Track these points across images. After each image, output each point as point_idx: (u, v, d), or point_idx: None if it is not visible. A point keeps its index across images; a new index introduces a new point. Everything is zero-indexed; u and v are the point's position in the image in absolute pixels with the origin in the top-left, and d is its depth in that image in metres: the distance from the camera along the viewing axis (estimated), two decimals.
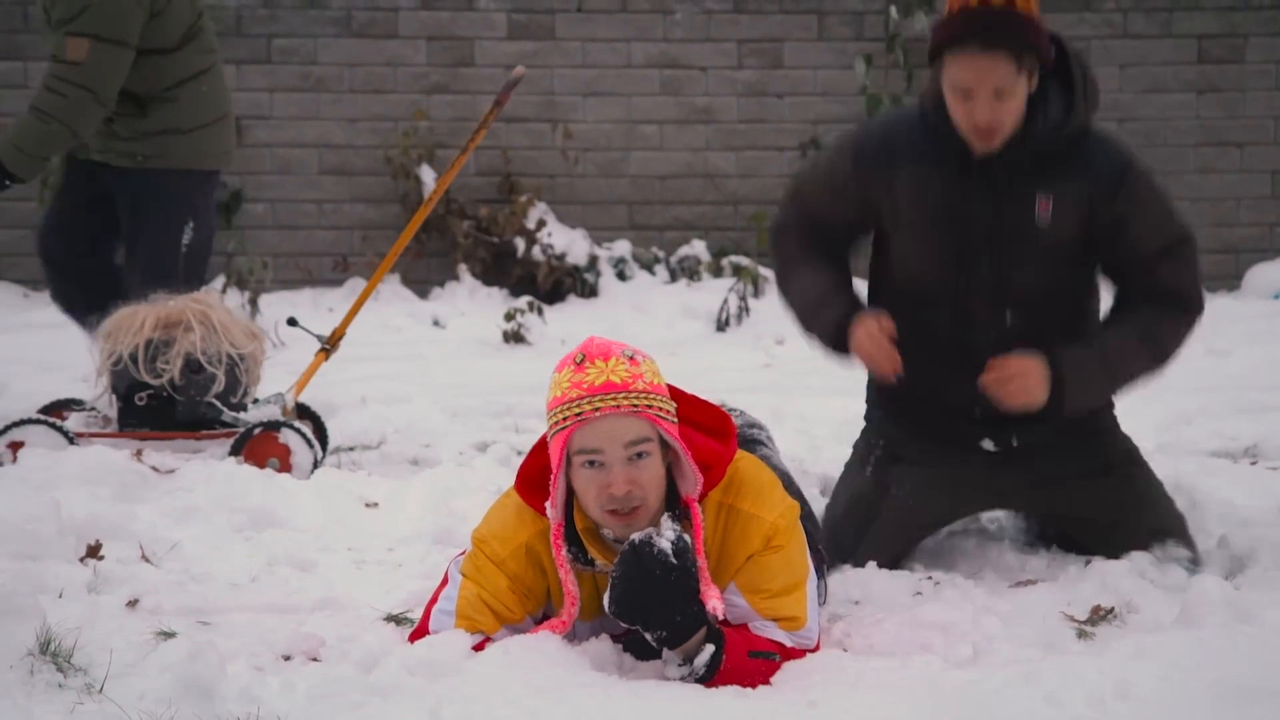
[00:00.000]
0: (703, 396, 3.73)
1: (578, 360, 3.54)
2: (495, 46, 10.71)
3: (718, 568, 3.60)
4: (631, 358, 3.55)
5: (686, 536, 3.50)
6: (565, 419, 3.50)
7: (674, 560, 3.45)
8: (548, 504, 3.58)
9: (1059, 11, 10.79)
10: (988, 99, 4.10)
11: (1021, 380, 4.18)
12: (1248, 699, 3.25)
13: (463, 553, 3.76)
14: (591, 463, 3.50)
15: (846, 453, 4.72)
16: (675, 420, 3.58)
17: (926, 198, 4.28)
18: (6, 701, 3.37)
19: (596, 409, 3.47)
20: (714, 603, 3.50)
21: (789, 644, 3.60)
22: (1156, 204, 4.25)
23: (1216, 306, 10.05)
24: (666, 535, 3.48)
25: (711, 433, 3.65)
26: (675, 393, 3.65)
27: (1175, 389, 7.55)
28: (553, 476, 3.55)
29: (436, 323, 9.89)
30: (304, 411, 6.13)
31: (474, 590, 3.63)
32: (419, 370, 8.36)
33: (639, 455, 3.50)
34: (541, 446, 3.66)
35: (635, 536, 3.49)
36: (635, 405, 3.49)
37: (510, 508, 3.70)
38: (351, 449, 6.40)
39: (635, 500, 3.52)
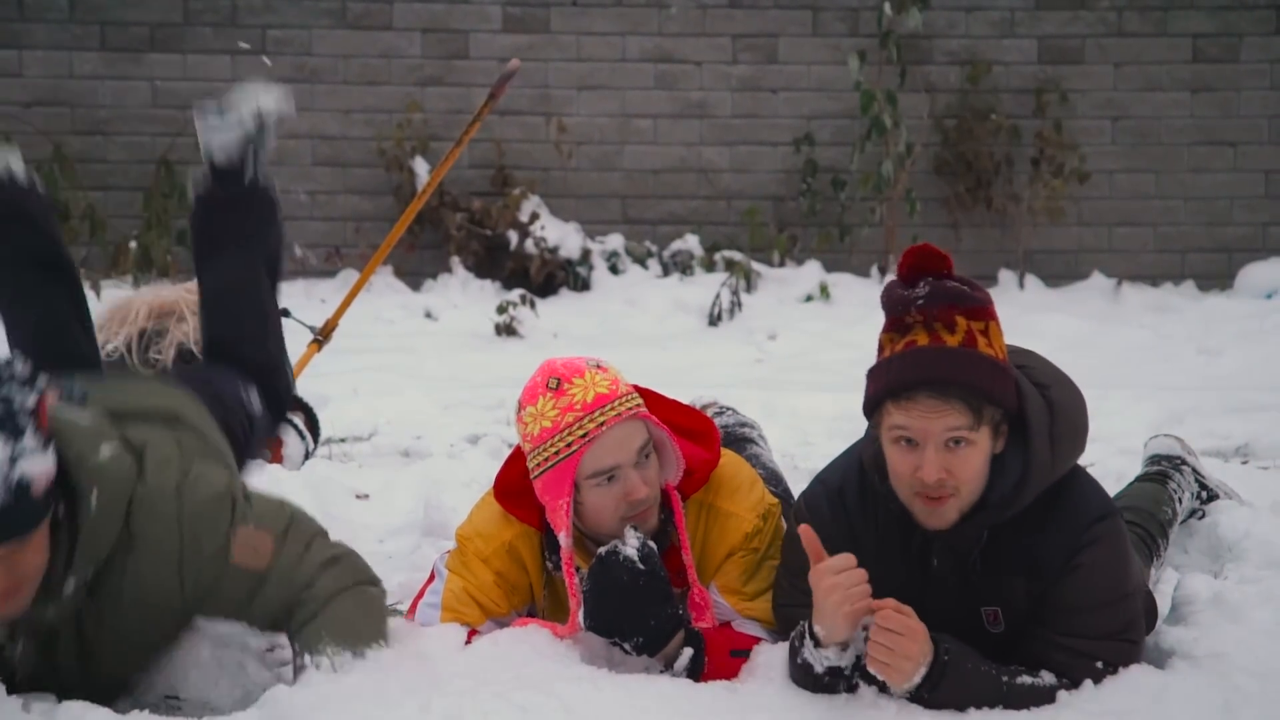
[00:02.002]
0: (695, 392, 3.72)
1: (552, 385, 3.49)
2: (490, 39, 10.70)
3: (699, 566, 3.60)
4: (599, 366, 3.53)
5: (651, 543, 3.50)
6: (569, 444, 3.46)
7: (641, 566, 3.44)
8: (561, 534, 3.51)
9: (1054, 9, 10.80)
10: (938, 452, 3.23)
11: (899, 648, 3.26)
12: (1237, 696, 3.26)
13: (449, 551, 3.76)
14: (609, 478, 3.47)
15: (838, 448, 4.69)
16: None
17: (882, 581, 3.31)
18: None
19: (601, 424, 3.44)
20: (704, 601, 3.50)
21: (771, 641, 3.59)
22: (1103, 575, 3.36)
23: (1209, 306, 10.14)
24: (631, 543, 3.47)
25: (694, 436, 3.63)
26: (660, 398, 3.64)
27: (1168, 387, 7.57)
28: (564, 506, 3.48)
29: (429, 315, 9.88)
30: (296, 402, 6.12)
31: (459, 584, 3.63)
32: (411, 362, 8.35)
33: (646, 456, 3.50)
34: (517, 457, 3.63)
35: (601, 549, 3.48)
36: (631, 409, 3.48)
37: (492, 506, 3.69)
38: (343, 440, 6.40)
39: (651, 500, 3.52)
